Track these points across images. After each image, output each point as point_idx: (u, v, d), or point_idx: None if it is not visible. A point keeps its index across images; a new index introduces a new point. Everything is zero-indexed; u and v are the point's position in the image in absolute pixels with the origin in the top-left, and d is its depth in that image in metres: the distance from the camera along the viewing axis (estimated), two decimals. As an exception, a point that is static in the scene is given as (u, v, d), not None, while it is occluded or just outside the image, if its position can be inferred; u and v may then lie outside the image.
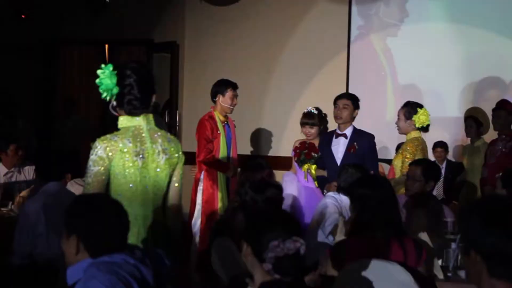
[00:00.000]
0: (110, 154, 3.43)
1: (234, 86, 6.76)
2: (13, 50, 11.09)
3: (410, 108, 6.26)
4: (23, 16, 10.61)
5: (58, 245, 4.74)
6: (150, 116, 3.65)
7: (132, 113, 3.56)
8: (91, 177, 3.46)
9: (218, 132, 6.58)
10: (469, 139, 7.92)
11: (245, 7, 9.87)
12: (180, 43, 10.16)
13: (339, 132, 6.37)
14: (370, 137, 6.43)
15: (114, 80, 3.50)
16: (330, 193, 5.53)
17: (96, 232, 2.80)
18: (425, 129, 6.29)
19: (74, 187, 5.80)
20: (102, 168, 3.43)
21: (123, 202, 3.41)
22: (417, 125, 6.20)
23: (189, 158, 7.08)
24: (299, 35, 9.59)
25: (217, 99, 6.67)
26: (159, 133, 3.65)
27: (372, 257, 3.46)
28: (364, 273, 3.36)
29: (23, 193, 5.85)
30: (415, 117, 6.18)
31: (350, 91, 8.91)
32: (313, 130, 6.74)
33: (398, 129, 6.40)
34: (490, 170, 6.88)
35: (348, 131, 6.35)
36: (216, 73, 9.60)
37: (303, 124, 6.80)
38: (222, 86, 6.71)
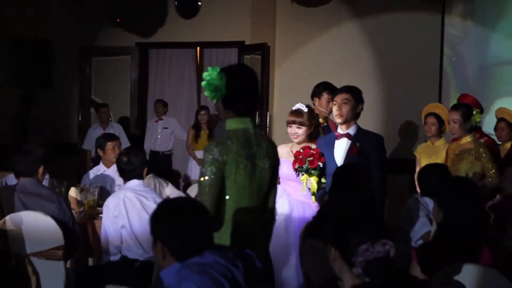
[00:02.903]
0: (224, 157, 3.42)
1: (331, 90, 6.44)
2: (108, 53, 11.42)
3: (467, 110, 6.01)
4: (117, 20, 10.86)
5: (144, 239, 4.93)
6: (254, 118, 3.67)
7: (241, 114, 3.56)
8: (205, 180, 3.46)
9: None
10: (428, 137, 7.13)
11: (336, 8, 9.82)
12: (271, 45, 10.19)
13: (341, 133, 5.37)
14: (378, 137, 5.44)
15: (223, 82, 3.50)
16: (415, 196, 5.36)
17: (177, 238, 2.84)
18: (474, 129, 6.06)
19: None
20: (217, 171, 3.42)
21: (231, 204, 3.44)
22: (473, 125, 5.98)
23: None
24: (392, 36, 9.49)
25: (314, 101, 6.60)
26: (262, 136, 3.67)
27: (463, 261, 3.41)
28: (457, 278, 3.32)
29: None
30: (472, 119, 5.96)
31: (442, 96, 8.83)
32: (301, 131, 5.62)
33: (453, 133, 6.08)
34: None
35: (352, 131, 5.35)
36: (306, 74, 9.63)
37: (289, 122, 5.70)
38: (320, 88, 6.60)
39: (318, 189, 5.27)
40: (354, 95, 5.33)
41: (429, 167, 5.45)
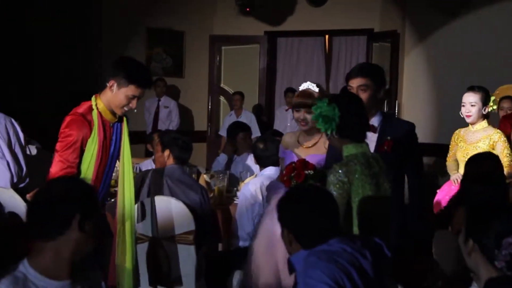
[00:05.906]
0: (350, 177, 3.46)
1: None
2: (238, 42, 11.59)
3: (486, 94, 5.57)
4: (247, 9, 11.01)
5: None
6: (367, 142, 3.68)
7: (357, 139, 3.57)
8: None
9: None
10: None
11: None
12: (401, 32, 10.04)
13: None
14: (409, 126, 4.27)
15: (336, 111, 3.51)
16: None
17: (302, 226, 2.85)
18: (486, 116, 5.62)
19: None
20: (343, 192, 3.45)
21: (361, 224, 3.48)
22: (490, 110, 5.59)
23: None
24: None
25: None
26: (380, 158, 3.69)
27: None
28: None
29: (247, 180, 6.04)
30: (490, 103, 5.55)
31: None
32: (310, 117, 4.34)
33: (468, 117, 5.55)
34: None
35: (375, 121, 4.16)
36: (437, 63, 9.40)
37: (296, 106, 4.53)
38: None
39: None
40: (374, 78, 4.17)
41: None
